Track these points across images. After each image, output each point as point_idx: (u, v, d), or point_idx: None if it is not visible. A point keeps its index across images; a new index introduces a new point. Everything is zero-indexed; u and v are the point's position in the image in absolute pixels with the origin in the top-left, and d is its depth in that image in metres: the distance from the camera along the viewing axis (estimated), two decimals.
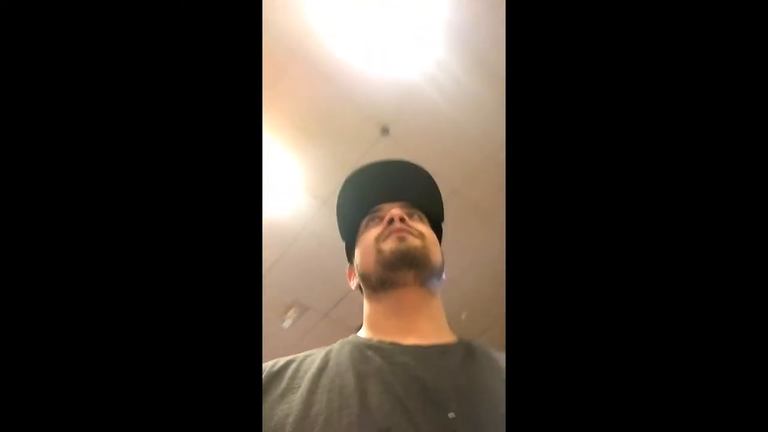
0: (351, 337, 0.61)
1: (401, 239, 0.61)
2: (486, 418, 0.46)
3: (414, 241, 0.62)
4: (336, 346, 0.58)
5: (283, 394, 0.50)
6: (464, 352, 0.56)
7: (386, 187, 0.70)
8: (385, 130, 2.03)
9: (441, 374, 0.50)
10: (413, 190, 0.71)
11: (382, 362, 0.52)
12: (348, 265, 0.73)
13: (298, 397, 0.49)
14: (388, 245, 0.62)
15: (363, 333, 0.63)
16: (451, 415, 0.45)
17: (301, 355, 0.58)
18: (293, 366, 0.55)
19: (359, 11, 1.65)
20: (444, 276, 0.67)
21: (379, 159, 0.73)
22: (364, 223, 0.70)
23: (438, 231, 0.72)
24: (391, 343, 0.56)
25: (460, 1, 1.66)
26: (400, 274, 0.60)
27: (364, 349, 0.56)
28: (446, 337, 0.61)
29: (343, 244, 0.74)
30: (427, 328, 0.60)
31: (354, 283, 0.71)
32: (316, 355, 0.57)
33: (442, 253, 0.67)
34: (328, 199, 2.28)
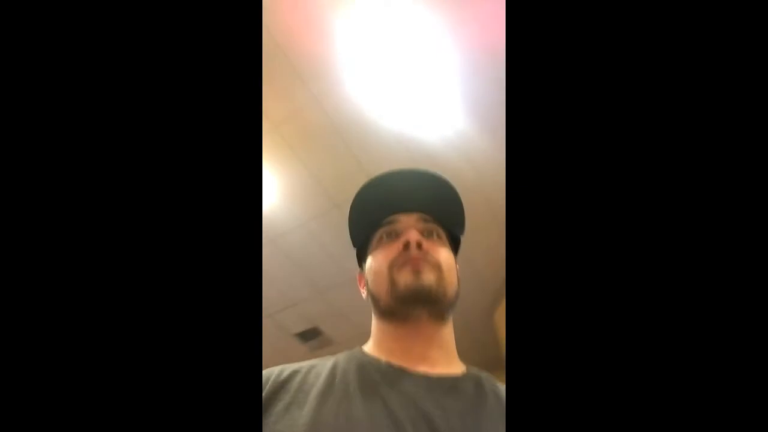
0: (357, 352, 0.61)
1: (417, 272, 0.59)
2: None
3: (430, 277, 0.59)
4: (342, 360, 0.58)
5: (288, 408, 0.50)
6: (473, 388, 0.56)
7: (402, 197, 0.67)
8: None
9: (450, 413, 0.50)
10: (431, 201, 0.67)
11: (390, 390, 0.52)
12: (359, 270, 0.71)
13: (304, 414, 0.49)
14: (403, 278, 0.59)
15: (370, 348, 0.62)
16: None
17: (305, 365, 0.58)
18: (298, 378, 0.54)
19: (376, 66, 1.86)
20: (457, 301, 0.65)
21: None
22: (377, 234, 0.67)
23: (456, 244, 0.70)
24: (400, 369, 0.56)
25: (468, 69, 1.92)
26: (414, 310, 0.59)
27: (372, 371, 0.56)
28: (455, 366, 0.60)
29: (354, 250, 0.73)
30: (437, 356, 0.60)
31: (364, 292, 0.68)
32: (321, 367, 0.57)
33: (458, 278, 0.64)
34: (304, 223, 2.47)
